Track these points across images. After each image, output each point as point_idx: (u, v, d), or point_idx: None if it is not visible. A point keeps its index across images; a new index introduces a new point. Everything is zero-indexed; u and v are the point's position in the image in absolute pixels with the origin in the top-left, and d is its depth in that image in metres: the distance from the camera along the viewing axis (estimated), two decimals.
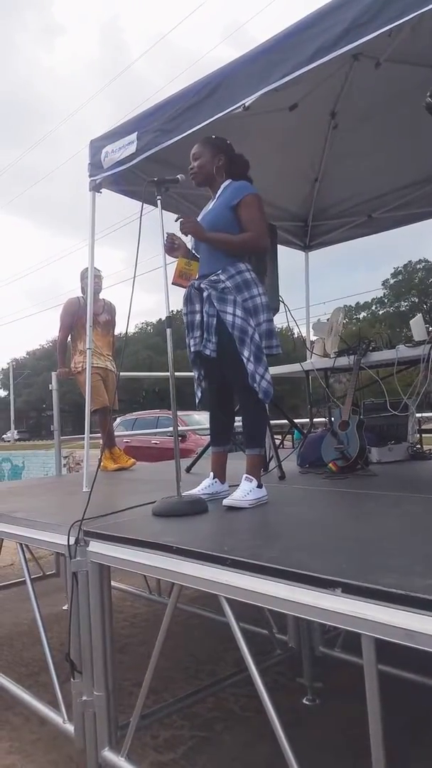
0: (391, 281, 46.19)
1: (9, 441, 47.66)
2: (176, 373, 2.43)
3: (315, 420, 4.83)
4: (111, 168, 3.18)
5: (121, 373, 5.39)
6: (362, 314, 46.79)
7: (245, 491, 2.34)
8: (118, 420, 11.41)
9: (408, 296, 45.15)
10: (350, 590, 1.25)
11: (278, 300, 3.58)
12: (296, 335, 3.91)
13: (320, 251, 5.38)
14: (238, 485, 2.39)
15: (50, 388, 4.53)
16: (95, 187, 3.35)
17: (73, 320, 4.39)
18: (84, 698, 1.99)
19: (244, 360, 2.36)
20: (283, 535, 1.91)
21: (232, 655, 2.84)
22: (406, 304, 44.38)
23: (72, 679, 2.02)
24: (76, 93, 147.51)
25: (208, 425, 2.74)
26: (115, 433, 5.06)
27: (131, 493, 3.25)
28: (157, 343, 48.28)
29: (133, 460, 4.61)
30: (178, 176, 2.49)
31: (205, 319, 2.43)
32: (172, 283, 2.49)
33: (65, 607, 2.07)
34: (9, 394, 56.94)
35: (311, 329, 4.65)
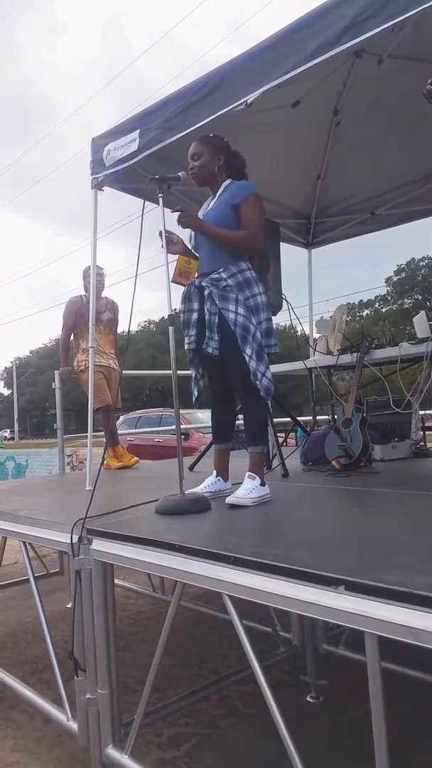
0: (395, 278, 46.07)
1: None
2: (179, 371, 2.43)
3: (318, 417, 4.83)
4: (113, 166, 3.17)
5: (124, 372, 5.39)
6: (365, 312, 46.64)
7: (248, 489, 2.34)
8: (122, 418, 11.43)
9: (411, 293, 45.01)
10: (353, 588, 1.25)
11: (281, 298, 3.58)
12: (299, 333, 3.91)
13: (323, 248, 5.37)
14: (241, 483, 2.39)
15: (53, 386, 4.53)
16: (97, 185, 3.34)
17: (75, 319, 4.39)
18: (88, 696, 1.99)
19: (246, 357, 2.36)
20: (286, 532, 1.91)
21: (235, 653, 2.85)
22: (409, 301, 44.23)
23: (76, 677, 2.02)
24: (78, 91, 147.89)
25: (210, 423, 2.74)
26: (118, 432, 5.07)
27: (134, 492, 3.26)
28: (160, 341, 48.28)
29: (136, 458, 4.62)
30: (179, 173, 2.49)
31: (206, 317, 2.43)
32: (172, 281, 2.49)
33: (69, 605, 2.07)
34: (12, 393, 56.78)
35: (314, 327, 4.64)
